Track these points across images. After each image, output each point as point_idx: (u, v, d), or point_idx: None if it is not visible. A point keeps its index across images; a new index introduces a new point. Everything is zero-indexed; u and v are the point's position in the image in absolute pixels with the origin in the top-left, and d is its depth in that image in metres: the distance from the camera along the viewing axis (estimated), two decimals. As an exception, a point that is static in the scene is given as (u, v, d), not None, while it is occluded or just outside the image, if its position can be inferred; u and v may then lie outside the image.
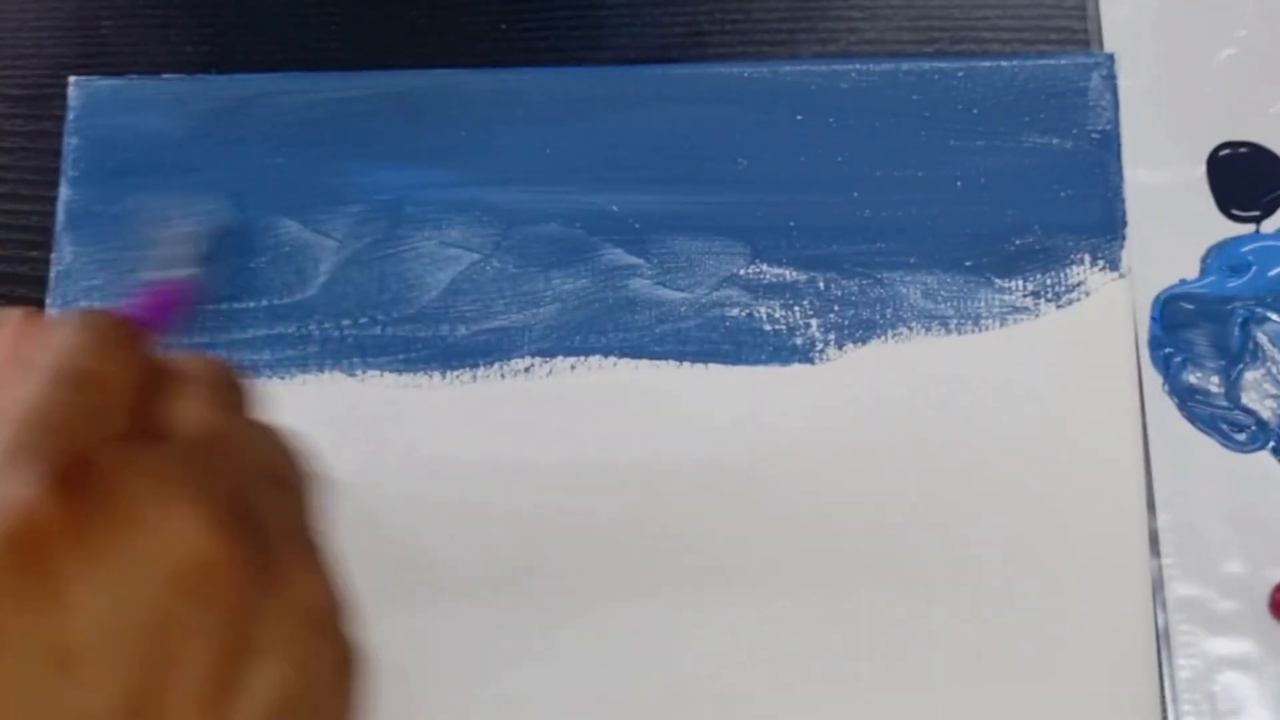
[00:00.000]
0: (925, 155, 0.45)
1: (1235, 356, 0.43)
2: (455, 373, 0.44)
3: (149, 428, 0.27)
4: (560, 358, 0.44)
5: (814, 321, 0.44)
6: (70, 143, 0.47)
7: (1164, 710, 0.40)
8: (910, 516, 0.42)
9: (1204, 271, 0.44)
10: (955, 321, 0.44)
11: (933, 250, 0.44)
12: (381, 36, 0.48)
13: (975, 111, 0.45)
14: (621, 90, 0.46)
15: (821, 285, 0.44)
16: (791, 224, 0.45)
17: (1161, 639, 0.41)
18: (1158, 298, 0.44)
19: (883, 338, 0.44)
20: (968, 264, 0.44)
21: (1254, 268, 0.44)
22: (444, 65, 0.47)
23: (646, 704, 0.41)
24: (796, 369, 0.43)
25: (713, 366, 0.44)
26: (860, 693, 0.41)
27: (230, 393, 0.30)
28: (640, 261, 0.45)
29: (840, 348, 0.44)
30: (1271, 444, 0.42)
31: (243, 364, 0.44)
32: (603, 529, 0.42)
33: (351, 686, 0.27)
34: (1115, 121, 0.45)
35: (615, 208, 0.45)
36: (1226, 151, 0.45)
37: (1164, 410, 0.43)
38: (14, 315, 0.29)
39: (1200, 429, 0.42)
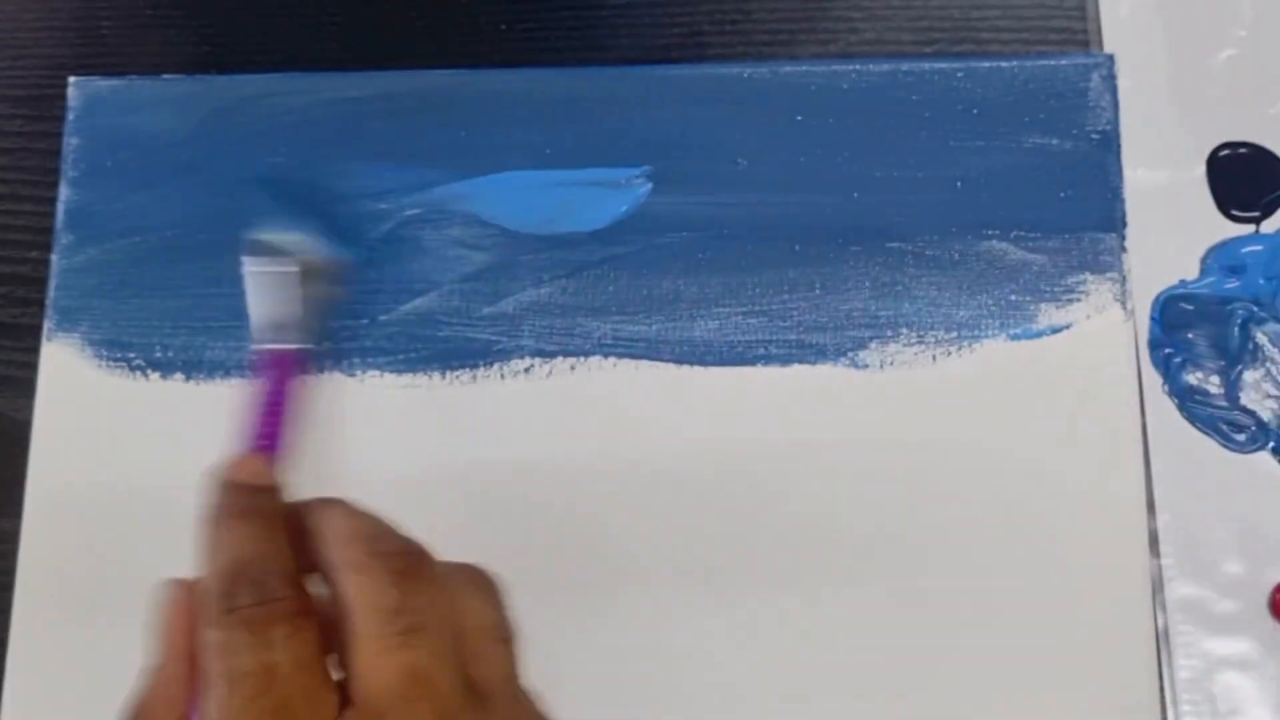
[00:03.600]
0: (925, 156, 0.45)
1: (1235, 357, 0.43)
2: (455, 373, 0.44)
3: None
4: (560, 358, 0.44)
5: (813, 322, 0.44)
6: (70, 143, 0.47)
7: (1164, 710, 0.40)
8: (910, 518, 0.42)
9: (1204, 272, 0.44)
10: (955, 322, 0.44)
11: (932, 251, 0.44)
12: (381, 37, 0.48)
13: (975, 112, 0.45)
14: (621, 91, 0.46)
15: (820, 287, 0.44)
16: (791, 224, 0.45)
17: (1161, 639, 0.41)
18: (1157, 298, 0.44)
19: (882, 338, 0.44)
20: (967, 264, 0.44)
21: (1253, 268, 0.44)
22: (444, 66, 0.47)
23: (645, 701, 0.41)
24: (796, 370, 0.44)
25: (713, 367, 0.44)
26: (862, 692, 0.41)
27: (410, 558, 0.30)
28: (639, 262, 0.45)
29: (839, 348, 0.44)
30: (1271, 444, 0.42)
31: (242, 364, 0.44)
32: (602, 528, 0.42)
33: None
34: (1115, 122, 0.45)
35: (615, 208, 0.45)
36: (1226, 152, 0.45)
37: (1163, 411, 0.43)
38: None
39: (1200, 429, 0.43)
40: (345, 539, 0.29)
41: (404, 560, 0.29)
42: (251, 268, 0.40)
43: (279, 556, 0.29)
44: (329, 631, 0.28)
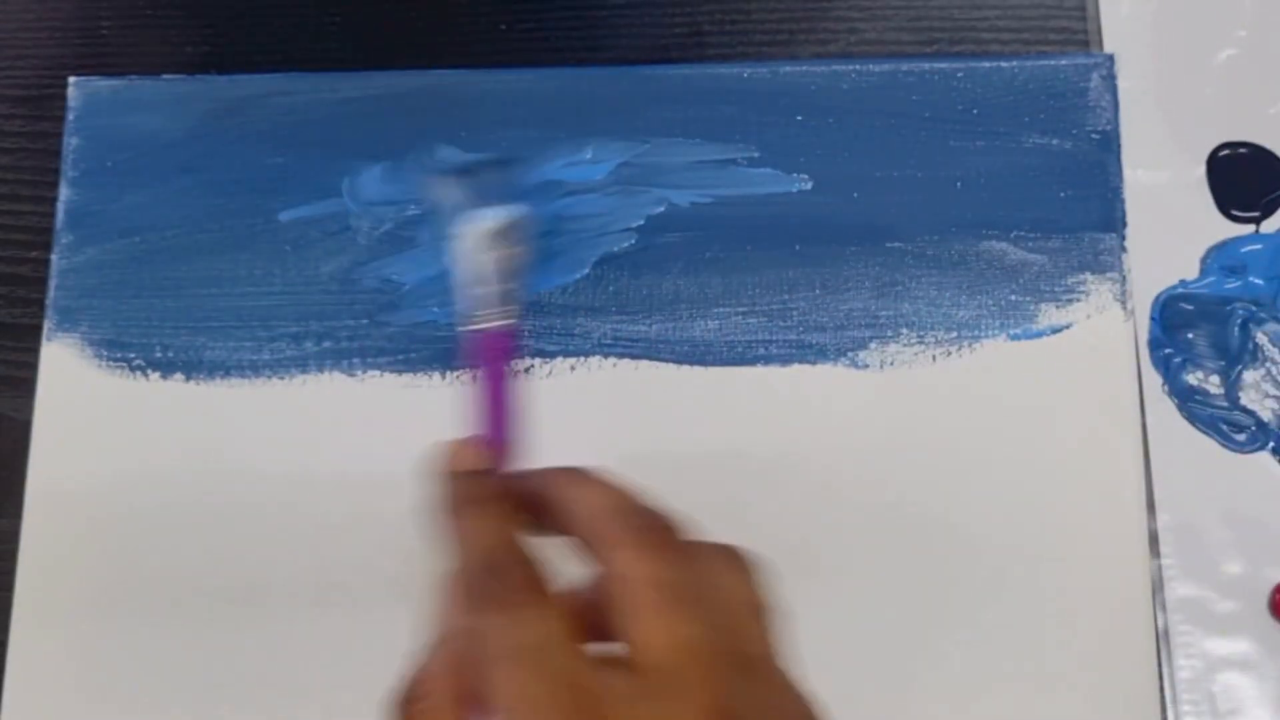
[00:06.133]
0: (925, 156, 0.45)
1: (1235, 357, 0.43)
2: (455, 373, 0.44)
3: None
4: (560, 358, 0.44)
5: (813, 322, 0.44)
6: (70, 143, 0.47)
7: (1164, 710, 0.40)
8: (909, 517, 0.42)
9: (1203, 272, 0.44)
10: (955, 322, 0.44)
11: (932, 251, 0.44)
12: (381, 37, 0.48)
13: (975, 112, 0.45)
14: (621, 90, 0.46)
15: (820, 287, 0.44)
16: (791, 224, 0.45)
17: (1161, 639, 0.41)
18: (1157, 298, 0.44)
19: (882, 338, 0.44)
20: (967, 264, 0.44)
21: (1253, 268, 0.44)
22: (444, 65, 0.47)
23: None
24: (796, 370, 0.44)
25: (712, 367, 0.44)
26: (860, 690, 0.41)
27: (668, 532, 0.31)
28: (639, 262, 0.45)
29: (839, 348, 0.44)
30: (1271, 444, 0.42)
31: (242, 364, 0.44)
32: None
33: None
34: (1115, 122, 0.45)
35: (615, 208, 0.45)
36: (1226, 152, 0.45)
37: (1163, 411, 0.43)
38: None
39: (1200, 429, 0.43)
40: (604, 514, 0.30)
41: (665, 534, 0.30)
42: (467, 235, 0.40)
43: (516, 539, 0.31)
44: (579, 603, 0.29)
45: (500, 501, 0.32)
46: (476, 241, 0.41)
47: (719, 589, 0.29)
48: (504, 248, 0.40)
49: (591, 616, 0.29)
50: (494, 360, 0.37)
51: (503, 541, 0.31)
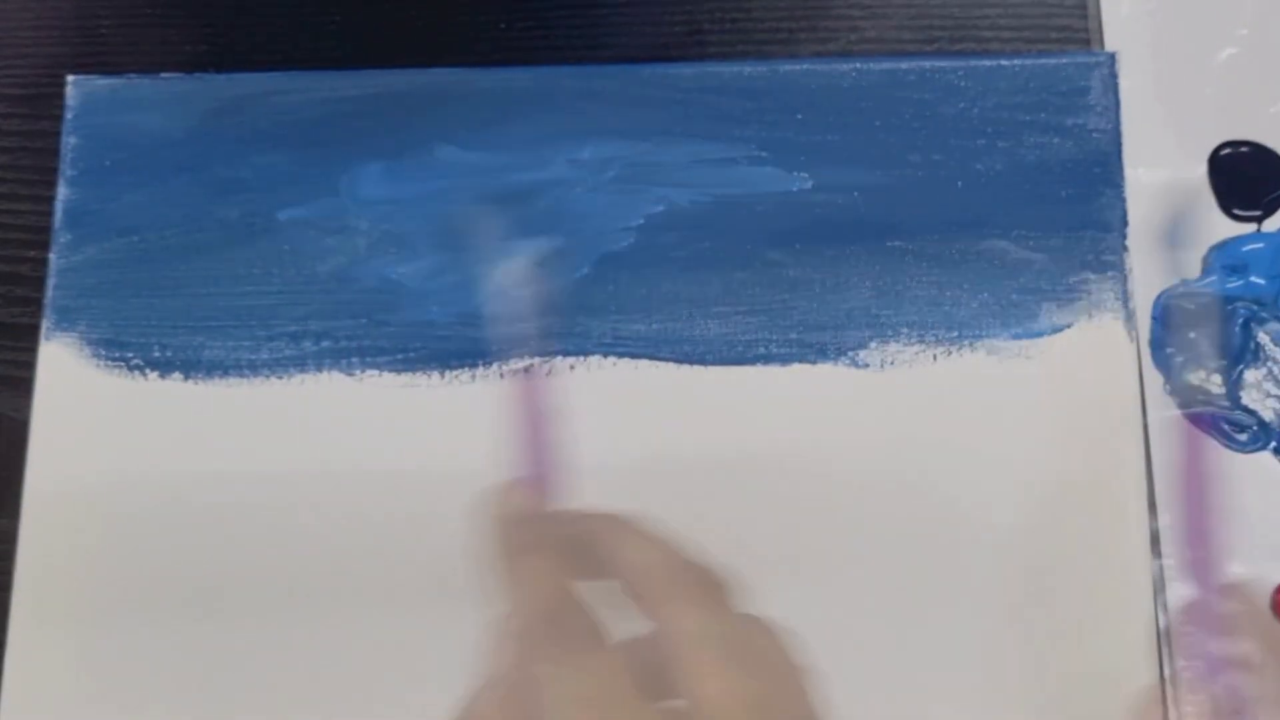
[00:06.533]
0: (925, 154, 0.45)
1: (1236, 356, 0.43)
2: (454, 373, 0.44)
3: None
4: (560, 358, 0.44)
5: (813, 322, 0.44)
6: (68, 142, 0.47)
7: (1165, 711, 0.40)
8: (909, 517, 0.42)
9: (1205, 271, 0.44)
10: (956, 321, 0.44)
11: (933, 250, 0.44)
12: (380, 36, 0.48)
13: (976, 111, 0.45)
14: (621, 89, 0.46)
15: (820, 286, 0.44)
16: (792, 224, 0.45)
17: (1163, 639, 0.41)
18: (1159, 297, 0.44)
19: (882, 338, 0.44)
20: (968, 263, 0.44)
21: (1255, 267, 0.44)
22: (444, 65, 0.47)
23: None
24: (796, 369, 0.43)
25: (713, 366, 0.44)
26: (857, 691, 0.41)
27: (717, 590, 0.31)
28: (639, 262, 0.45)
29: (840, 348, 0.44)
30: (1273, 444, 0.42)
31: (240, 364, 0.44)
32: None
33: None
34: (1116, 121, 0.45)
35: (615, 207, 0.45)
36: (1227, 151, 0.45)
37: (1165, 410, 0.43)
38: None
39: (1201, 429, 0.42)
40: (651, 569, 0.31)
41: (713, 591, 0.30)
42: (499, 271, 0.41)
43: (572, 588, 0.31)
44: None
45: (554, 548, 0.32)
46: (509, 277, 0.41)
47: (767, 649, 0.30)
48: (537, 282, 0.40)
49: (654, 669, 0.29)
50: (532, 397, 0.37)
51: (559, 590, 0.31)
